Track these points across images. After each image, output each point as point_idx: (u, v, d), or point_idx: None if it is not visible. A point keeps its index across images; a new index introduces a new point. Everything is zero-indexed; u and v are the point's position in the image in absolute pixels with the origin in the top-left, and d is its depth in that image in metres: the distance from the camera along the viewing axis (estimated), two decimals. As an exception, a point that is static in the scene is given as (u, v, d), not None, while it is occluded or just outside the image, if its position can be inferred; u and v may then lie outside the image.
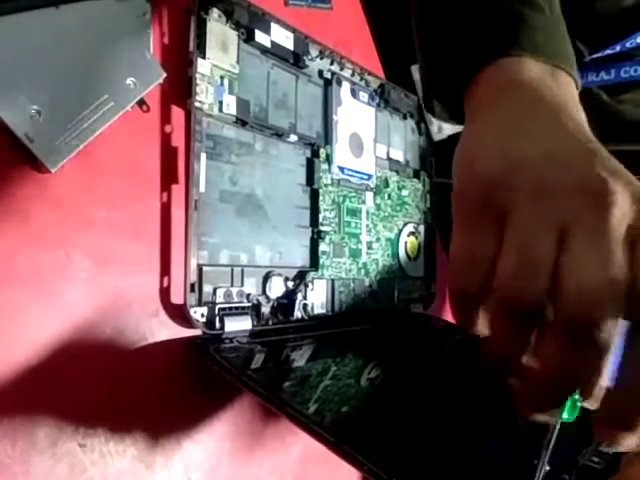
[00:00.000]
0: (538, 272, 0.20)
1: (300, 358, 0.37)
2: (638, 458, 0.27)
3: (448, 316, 0.54)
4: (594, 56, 0.49)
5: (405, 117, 0.53)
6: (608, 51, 0.48)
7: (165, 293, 0.31)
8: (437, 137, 0.58)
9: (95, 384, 0.28)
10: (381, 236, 0.48)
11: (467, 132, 0.26)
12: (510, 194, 0.22)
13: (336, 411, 0.29)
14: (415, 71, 0.55)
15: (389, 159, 0.50)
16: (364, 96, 0.47)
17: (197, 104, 0.32)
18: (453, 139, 0.58)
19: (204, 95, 0.33)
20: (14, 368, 0.25)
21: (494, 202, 0.22)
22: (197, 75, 0.32)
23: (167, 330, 0.32)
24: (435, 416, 0.32)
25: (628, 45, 0.47)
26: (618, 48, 0.48)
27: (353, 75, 0.46)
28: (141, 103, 0.30)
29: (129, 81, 0.29)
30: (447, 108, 0.31)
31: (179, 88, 0.33)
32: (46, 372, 0.26)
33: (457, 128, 0.57)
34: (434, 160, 0.57)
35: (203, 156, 0.32)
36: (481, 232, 0.23)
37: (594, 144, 0.22)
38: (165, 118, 0.32)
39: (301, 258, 0.41)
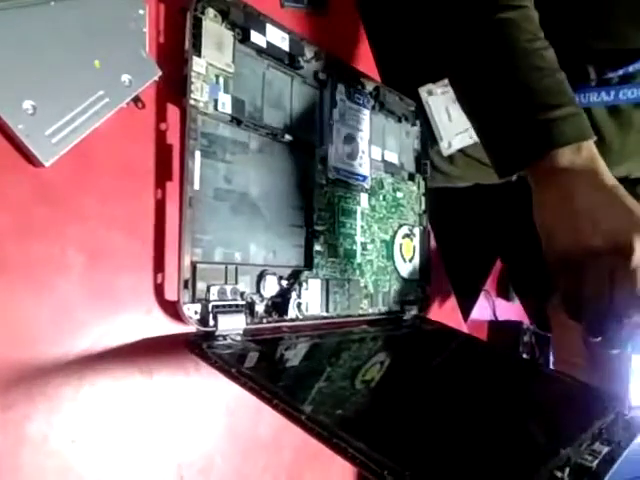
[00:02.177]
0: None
1: (294, 358, 0.37)
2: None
3: (442, 319, 0.55)
4: (604, 77, 0.50)
5: (400, 120, 0.53)
6: (610, 74, 0.49)
7: (159, 289, 0.32)
8: (446, 152, 0.59)
9: (88, 378, 0.28)
10: (376, 237, 0.48)
11: (538, 204, 0.40)
12: (579, 260, 0.36)
13: (331, 412, 0.29)
14: (423, 92, 0.57)
15: (384, 161, 0.50)
16: (359, 98, 0.47)
17: (192, 102, 0.32)
18: None
19: (199, 93, 0.33)
20: (5, 359, 0.25)
21: (571, 262, 0.37)
22: (192, 73, 0.32)
23: (161, 327, 0.32)
24: (430, 417, 0.31)
25: (631, 70, 0.49)
26: (621, 72, 0.49)
27: (348, 77, 0.46)
28: (136, 100, 0.30)
29: (124, 78, 0.30)
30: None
31: (175, 86, 0.33)
32: (39, 365, 0.26)
33: (465, 142, 0.59)
34: (429, 164, 0.57)
35: (197, 154, 0.32)
36: (568, 277, 0.37)
37: (623, 206, 0.36)
38: (160, 116, 0.32)
39: (295, 257, 0.41)
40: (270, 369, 0.33)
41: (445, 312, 0.60)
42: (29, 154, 0.26)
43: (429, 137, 0.58)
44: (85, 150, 0.29)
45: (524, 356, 1.25)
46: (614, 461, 0.30)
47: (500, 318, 1.37)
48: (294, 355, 0.38)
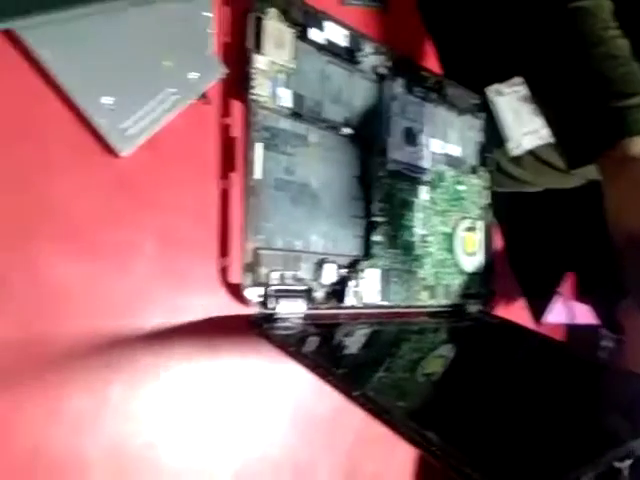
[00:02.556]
0: None
1: (353, 345, 0.38)
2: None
3: (509, 316, 0.53)
4: None
5: (462, 113, 0.53)
6: None
7: (224, 273, 0.34)
8: (515, 152, 0.59)
9: (161, 349, 0.31)
10: (436, 230, 0.48)
11: (607, 194, 0.40)
12: None
13: (396, 397, 0.29)
14: (490, 92, 0.57)
15: (445, 154, 0.50)
16: (419, 91, 0.48)
17: (254, 97, 0.34)
18: None
19: (261, 89, 0.35)
20: (85, 334, 0.28)
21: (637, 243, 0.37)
22: (253, 70, 0.34)
23: (225, 307, 0.34)
24: (497, 409, 0.31)
25: None
26: None
27: (408, 71, 0.47)
28: (203, 96, 0.33)
29: (192, 76, 0.32)
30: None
31: (239, 83, 0.35)
32: (120, 335, 0.29)
33: (534, 143, 0.58)
34: (496, 167, 0.57)
35: (259, 145, 0.34)
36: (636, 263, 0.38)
37: None
38: (225, 110, 0.35)
39: (355, 247, 0.42)
40: (330, 351, 0.34)
41: (512, 310, 0.59)
42: (108, 146, 0.29)
43: (495, 139, 0.57)
44: (158, 142, 0.31)
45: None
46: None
47: (578, 322, 1.30)
48: (354, 341, 0.39)
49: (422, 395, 0.33)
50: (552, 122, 0.45)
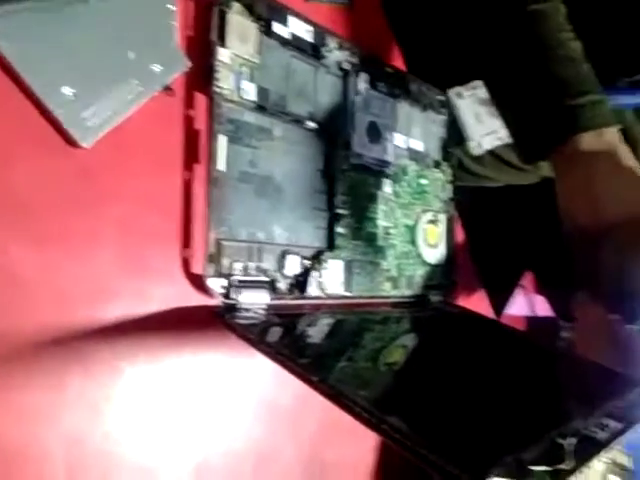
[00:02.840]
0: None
1: (316, 335, 0.39)
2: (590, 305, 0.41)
3: (468, 304, 0.55)
4: (633, 79, 0.52)
5: (425, 108, 0.54)
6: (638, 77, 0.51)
7: (186, 263, 0.34)
8: (476, 152, 0.61)
9: (121, 340, 0.31)
10: (399, 222, 0.50)
11: (559, 189, 0.42)
12: (598, 236, 0.38)
13: (356, 383, 0.30)
14: (452, 95, 0.59)
15: (408, 148, 0.52)
16: (383, 87, 0.49)
17: (217, 89, 0.35)
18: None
19: (224, 82, 0.35)
20: (46, 320, 0.28)
21: (591, 240, 0.39)
22: (217, 63, 0.35)
23: (188, 299, 0.34)
24: (461, 401, 0.32)
25: None
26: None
27: (372, 67, 0.48)
28: (167, 88, 0.33)
29: (156, 68, 0.32)
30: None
31: (203, 76, 0.35)
32: (77, 326, 0.29)
33: (494, 143, 0.60)
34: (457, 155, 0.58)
35: (223, 137, 0.35)
36: (588, 255, 0.39)
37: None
38: (189, 103, 0.35)
39: (318, 239, 0.43)
40: (293, 341, 0.35)
41: (473, 300, 0.60)
42: (69, 136, 0.29)
43: (457, 136, 0.59)
44: (121, 134, 0.31)
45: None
46: (622, 433, 0.30)
47: (538, 314, 1.34)
48: (317, 331, 0.39)
49: (384, 383, 0.34)
50: (509, 121, 0.47)
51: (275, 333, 0.34)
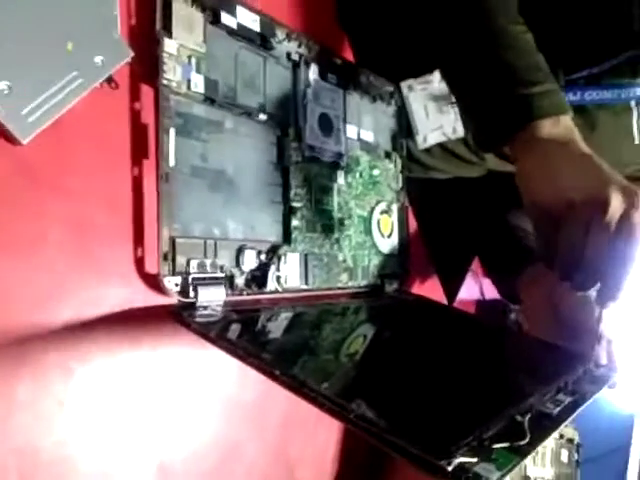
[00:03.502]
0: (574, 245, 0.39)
1: (276, 329, 0.39)
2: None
3: (424, 292, 0.56)
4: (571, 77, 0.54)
5: (375, 100, 0.55)
6: (576, 75, 0.53)
7: (139, 263, 0.33)
8: (422, 146, 0.62)
9: (73, 344, 0.30)
10: (353, 213, 0.50)
11: (519, 172, 0.43)
12: (558, 213, 0.39)
13: (317, 374, 0.30)
14: (404, 87, 0.59)
15: (360, 139, 0.52)
16: (333, 78, 0.49)
17: (165, 82, 0.33)
18: None
19: (172, 73, 0.34)
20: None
21: (550, 216, 0.40)
22: (164, 54, 0.34)
23: (143, 298, 0.33)
24: (421, 386, 0.33)
25: (595, 71, 0.53)
26: (586, 73, 0.53)
27: (321, 58, 0.47)
28: (110, 80, 0.32)
29: (97, 59, 0.31)
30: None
31: (148, 67, 0.34)
32: (25, 332, 0.28)
33: (439, 139, 0.61)
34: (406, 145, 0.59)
35: (172, 131, 0.34)
36: (547, 229, 0.41)
37: (599, 169, 0.39)
38: (135, 96, 0.34)
39: (274, 233, 0.42)
40: (253, 336, 0.35)
41: (427, 287, 0.62)
42: (6, 132, 0.27)
43: (407, 128, 0.60)
44: (62, 129, 0.30)
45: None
46: (576, 409, 0.32)
47: (487, 297, 1.39)
48: (277, 326, 0.39)
49: (346, 373, 0.34)
50: (463, 109, 0.48)
51: (234, 329, 0.33)
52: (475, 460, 0.22)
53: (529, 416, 0.28)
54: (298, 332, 0.39)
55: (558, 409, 0.31)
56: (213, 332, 0.30)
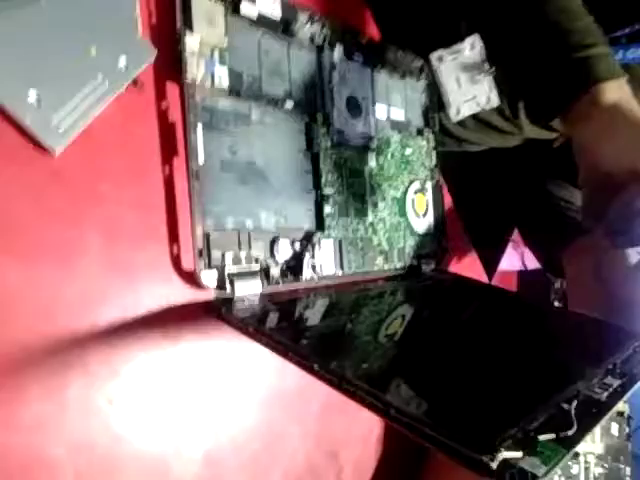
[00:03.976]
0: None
1: (315, 316, 0.39)
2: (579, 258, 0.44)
3: (463, 271, 0.55)
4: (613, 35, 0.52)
5: (404, 76, 0.53)
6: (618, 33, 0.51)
7: (176, 260, 0.33)
8: (455, 119, 0.60)
9: (118, 346, 0.31)
10: (386, 195, 0.49)
11: (582, 135, 0.41)
12: (620, 180, 0.39)
13: (356, 367, 0.30)
14: (433, 58, 0.57)
15: (389, 119, 0.51)
16: (359, 57, 0.47)
17: (189, 78, 0.33)
18: None
19: (195, 69, 0.34)
20: (39, 332, 0.28)
21: (609, 184, 0.39)
22: (186, 50, 0.33)
23: (182, 295, 0.34)
24: (462, 373, 0.32)
25: (637, 27, 0.50)
26: (627, 31, 0.52)
27: (345, 38, 0.46)
28: (135, 82, 0.32)
29: (121, 62, 0.31)
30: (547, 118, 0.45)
31: (172, 65, 0.34)
32: (72, 336, 0.29)
33: (473, 109, 0.59)
34: (438, 119, 0.57)
35: (200, 128, 0.34)
36: (603, 198, 0.40)
37: None
38: (160, 95, 0.34)
39: (307, 221, 0.42)
40: (291, 327, 0.35)
41: (465, 265, 0.61)
42: (39, 145, 0.27)
43: (439, 101, 0.58)
44: (92, 135, 0.30)
45: (555, 303, 1.25)
46: (625, 392, 0.31)
47: (530, 267, 1.36)
48: (314, 314, 0.39)
49: (384, 362, 0.34)
50: (516, 80, 0.47)
51: (271, 322, 0.34)
52: (520, 455, 0.21)
53: (576, 403, 0.28)
54: (335, 320, 0.39)
55: (607, 393, 0.30)
56: (250, 326, 0.31)
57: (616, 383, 0.32)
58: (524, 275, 1.43)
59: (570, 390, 0.29)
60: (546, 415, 0.26)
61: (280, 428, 0.39)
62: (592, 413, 0.27)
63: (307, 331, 0.35)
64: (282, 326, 0.34)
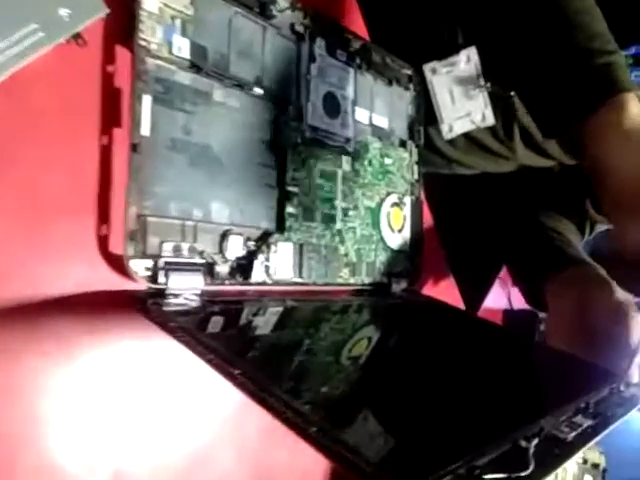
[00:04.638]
0: None
1: (265, 325, 0.35)
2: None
3: (437, 294, 0.52)
4: None
5: (391, 83, 0.50)
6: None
7: (103, 242, 0.30)
8: (448, 136, 0.57)
9: (27, 328, 0.26)
10: (359, 203, 0.46)
11: (599, 154, 0.36)
12: None
13: (288, 382, 0.26)
14: (427, 70, 0.54)
15: (371, 124, 0.48)
16: (342, 55, 0.45)
17: (141, 41, 0.30)
18: None
19: (150, 33, 0.31)
20: None
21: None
22: (142, 12, 0.30)
23: (106, 281, 0.30)
24: (416, 401, 0.28)
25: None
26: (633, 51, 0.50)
27: (330, 32, 0.43)
28: (76, 37, 0.28)
29: (63, 12, 0.28)
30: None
31: (126, 27, 0.31)
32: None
33: (467, 127, 0.56)
34: (427, 135, 0.54)
35: (146, 97, 0.30)
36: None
37: None
38: (108, 57, 0.30)
39: (266, 219, 0.38)
40: (225, 331, 0.31)
41: (440, 289, 0.57)
42: (-54, 85, 0.24)
43: (430, 115, 0.55)
44: (20, 88, 0.27)
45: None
46: (595, 434, 0.27)
47: (515, 307, 1.32)
48: (264, 323, 0.35)
49: (327, 377, 0.30)
50: (526, 89, 0.43)
51: (203, 322, 0.30)
52: (457, 495, 0.17)
53: (537, 441, 0.24)
54: (280, 330, 0.35)
55: (574, 434, 0.26)
56: (174, 323, 0.27)
57: (586, 423, 0.28)
58: (509, 314, 1.39)
59: (533, 426, 0.25)
60: (500, 451, 0.22)
61: (210, 450, 0.35)
62: (554, 454, 0.23)
63: (243, 337, 0.31)
64: (215, 328, 0.30)
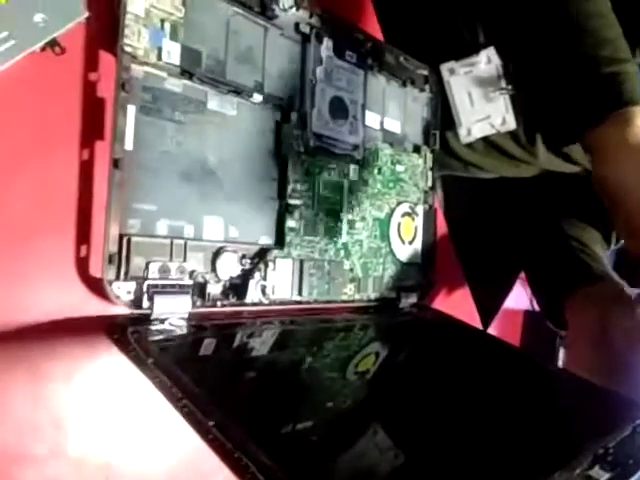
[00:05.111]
0: None
1: (252, 358, 0.32)
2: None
3: (450, 310, 0.49)
4: None
5: (405, 84, 0.47)
6: None
7: (82, 264, 0.28)
8: (465, 140, 0.54)
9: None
10: (367, 215, 0.43)
11: (609, 165, 0.35)
12: None
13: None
14: (444, 70, 0.51)
15: (383, 129, 0.45)
16: (351, 56, 0.42)
17: (125, 47, 0.28)
18: None
19: (136, 38, 0.28)
20: None
21: None
22: (126, 12, 0.28)
23: (85, 307, 0.28)
24: (408, 437, 0.26)
25: None
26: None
27: (338, 32, 0.41)
28: (53, 44, 0.26)
29: (38, 18, 0.25)
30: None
31: (110, 32, 0.28)
32: None
33: (486, 131, 0.53)
34: (444, 138, 0.51)
35: (130, 108, 0.28)
36: None
37: None
38: (90, 64, 0.28)
39: (265, 235, 0.36)
40: (206, 363, 0.29)
41: (452, 301, 0.54)
42: None
43: (447, 118, 0.52)
44: (-9, 100, 0.25)
45: (561, 351, 1.17)
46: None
47: (537, 309, 1.28)
48: (245, 352, 0.33)
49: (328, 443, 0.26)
50: (538, 94, 0.42)
51: (189, 354, 0.27)
52: None
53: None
54: (271, 362, 0.32)
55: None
56: (151, 358, 0.24)
57: (604, 477, 0.25)
58: (531, 316, 1.35)
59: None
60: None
61: None
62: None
63: (227, 373, 0.29)
64: (197, 361, 0.28)
